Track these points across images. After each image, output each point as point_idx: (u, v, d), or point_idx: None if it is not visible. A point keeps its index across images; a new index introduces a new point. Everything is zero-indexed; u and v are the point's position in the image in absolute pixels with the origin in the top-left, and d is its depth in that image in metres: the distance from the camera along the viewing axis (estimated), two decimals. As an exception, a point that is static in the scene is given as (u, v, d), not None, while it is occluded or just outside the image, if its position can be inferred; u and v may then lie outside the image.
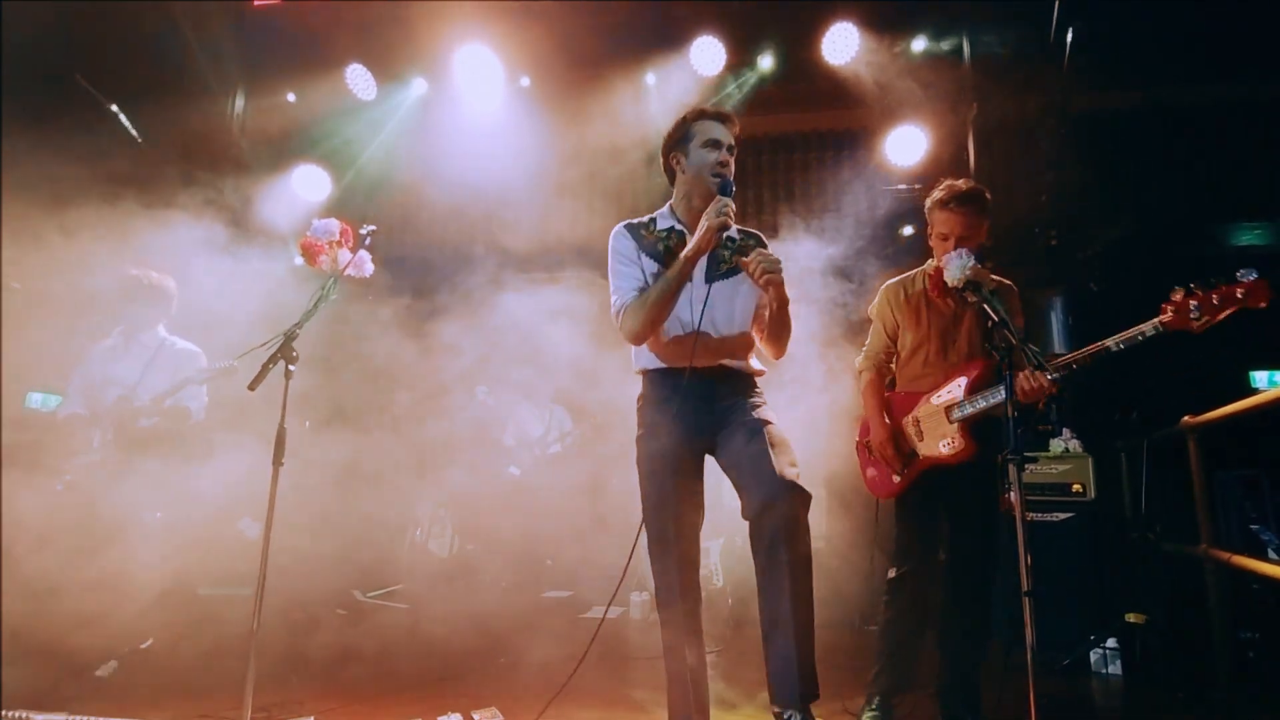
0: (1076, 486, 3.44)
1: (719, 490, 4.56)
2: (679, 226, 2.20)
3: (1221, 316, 1.96)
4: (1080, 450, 3.51)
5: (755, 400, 2.15)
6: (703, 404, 2.09)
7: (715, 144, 2.17)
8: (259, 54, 4.99)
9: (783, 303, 2.07)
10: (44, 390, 3.72)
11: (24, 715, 1.63)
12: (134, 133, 4.32)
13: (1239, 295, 1.92)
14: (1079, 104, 4.23)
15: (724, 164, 2.15)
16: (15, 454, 2.98)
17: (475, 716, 2.32)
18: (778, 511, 1.93)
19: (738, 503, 4.65)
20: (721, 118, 2.22)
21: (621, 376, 4.19)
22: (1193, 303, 1.97)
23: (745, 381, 2.17)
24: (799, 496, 1.94)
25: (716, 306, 2.08)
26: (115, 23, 4.14)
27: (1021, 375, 2.10)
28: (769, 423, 2.10)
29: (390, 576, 4.87)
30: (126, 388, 3.16)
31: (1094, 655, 3.25)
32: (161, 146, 4.47)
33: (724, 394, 2.11)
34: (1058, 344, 4.05)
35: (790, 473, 1.97)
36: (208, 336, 3.49)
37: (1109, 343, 2.08)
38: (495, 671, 3.14)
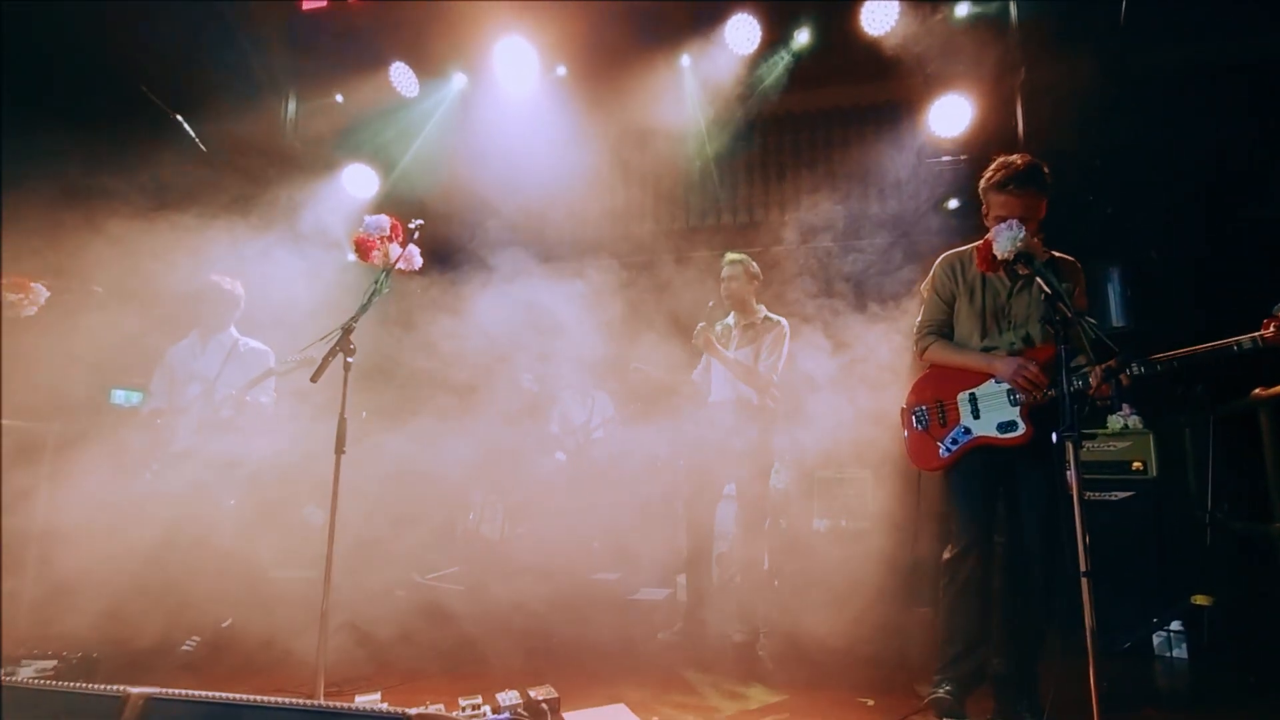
0: (1137, 464, 3.32)
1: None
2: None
3: None
4: (1140, 427, 3.38)
5: (760, 431, 3.52)
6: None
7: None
8: (308, 57, 5.14)
9: (722, 360, 3.56)
10: (126, 387, 3.97)
11: (120, 689, 1.75)
12: (196, 139, 4.52)
13: None
14: (1136, 63, 4.00)
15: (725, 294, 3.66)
16: (105, 446, 3.21)
17: (532, 693, 2.40)
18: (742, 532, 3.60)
19: (782, 485, 4.73)
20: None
21: (664, 361, 4.24)
22: None
23: (751, 411, 3.53)
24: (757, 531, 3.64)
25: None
26: (175, 34, 4.34)
27: (1094, 376, 2.06)
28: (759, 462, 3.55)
29: (445, 559, 5.03)
30: (206, 384, 3.37)
31: (1157, 638, 3.16)
32: (222, 152, 4.67)
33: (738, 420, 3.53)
34: (1115, 317, 3.87)
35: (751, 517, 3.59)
36: (270, 332, 3.67)
37: (1203, 348, 2.03)
38: (549, 650, 3.23)
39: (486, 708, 2.32)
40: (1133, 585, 3.16)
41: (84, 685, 1.78)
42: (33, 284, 2.86)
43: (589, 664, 3.03)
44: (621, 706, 2.49)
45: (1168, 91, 3.96)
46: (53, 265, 3.26)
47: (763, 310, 3.71)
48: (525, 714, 2.32)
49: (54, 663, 2.78)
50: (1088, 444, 3.40)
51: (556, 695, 2.40)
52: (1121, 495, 3.29)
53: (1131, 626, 3.14)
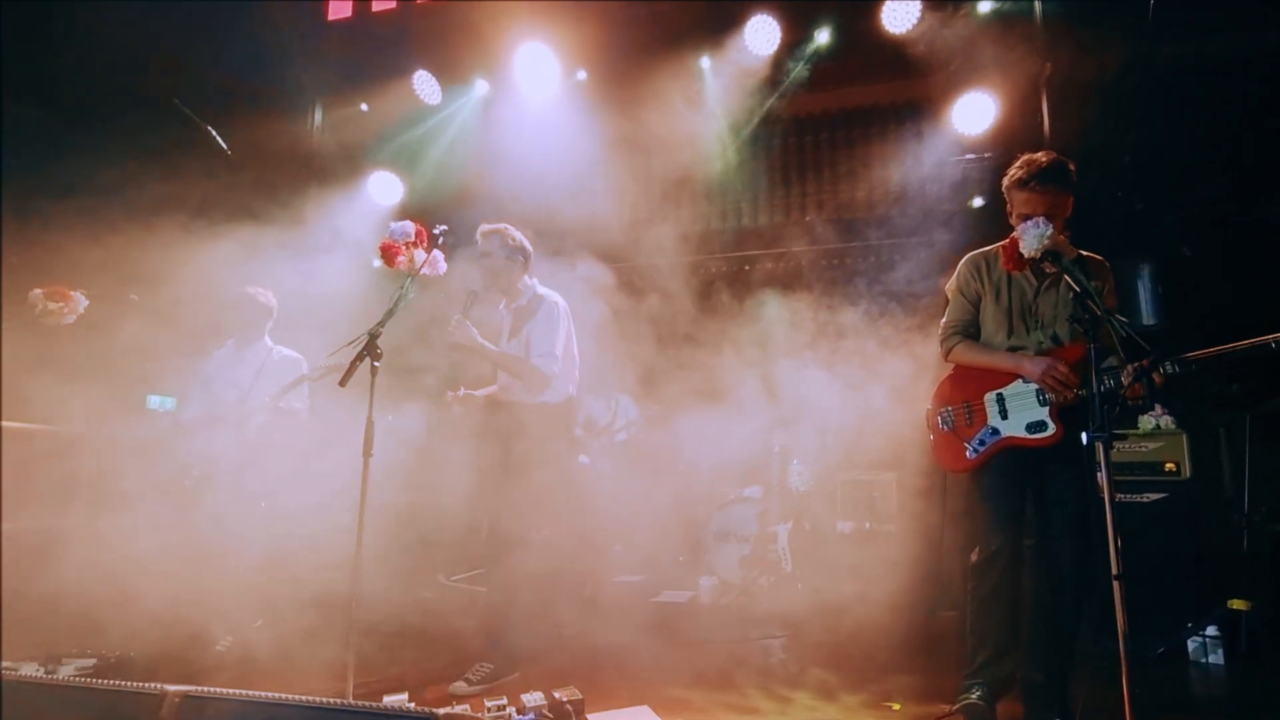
0: (1170, 465, 3.24)
1: (784, 473, 4.56)
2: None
3: None
4: (1173, 426, 3.30)
5: (542, 431, 2.98)
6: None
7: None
8: (334, 67, 5.25)
9: (487, 356, 2.94)
10: (161, 393, 4.08)
11: (158, 687, 1.79)
12: (226, 150, 4.64)
13: None
14: (1166, 55, 3.91)
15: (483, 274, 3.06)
16: (144, 451, 3.30)
17: (556, 695, 2.42)
18: None
19: (804, 486, 4.66)
20: None
21: (686, 365, 4.23)
22: None
23: (530, 410, 2.99)
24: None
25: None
26: (205, 48, 4.47)
27: (1126, 375, 2.02)
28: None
29: (470, 561, 5.07)
30: (242, 391, 3.46)
31: (1192, 644, 3.08)
32: (251, 161, 4.79)
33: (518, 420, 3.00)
34: (1147, 316, 3.78)
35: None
36: (299, 336, 3.74)
37: (1239, 346, 1.97)
38: (573, 652, 3.24)
39: (512, 709, 2.34)
40: (1167, 589, 3.09)
41: (124, 683, 1.83)
42: (72, 293, 2.96)
43: (612, 666, 3.03)
44: (645, 708, 2.50)
45: (1198, 84, 3.87)
46: (89, 274, 3.35)
47: (533, 287, 3.12)
48: (550, 715, 2.34)
49: (93, 661, 2.87)
50: (1118, 445, 3.33)
51: (581, 697, 2.41)
52: (1154, 497, 3.22)
53: (1166, 632, 3.07)
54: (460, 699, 2.66)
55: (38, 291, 2.95)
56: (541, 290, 3.11)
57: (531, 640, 2.95)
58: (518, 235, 3.07)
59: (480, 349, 2.89)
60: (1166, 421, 3.33)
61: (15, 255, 3.41)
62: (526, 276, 3.12)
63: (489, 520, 3.04)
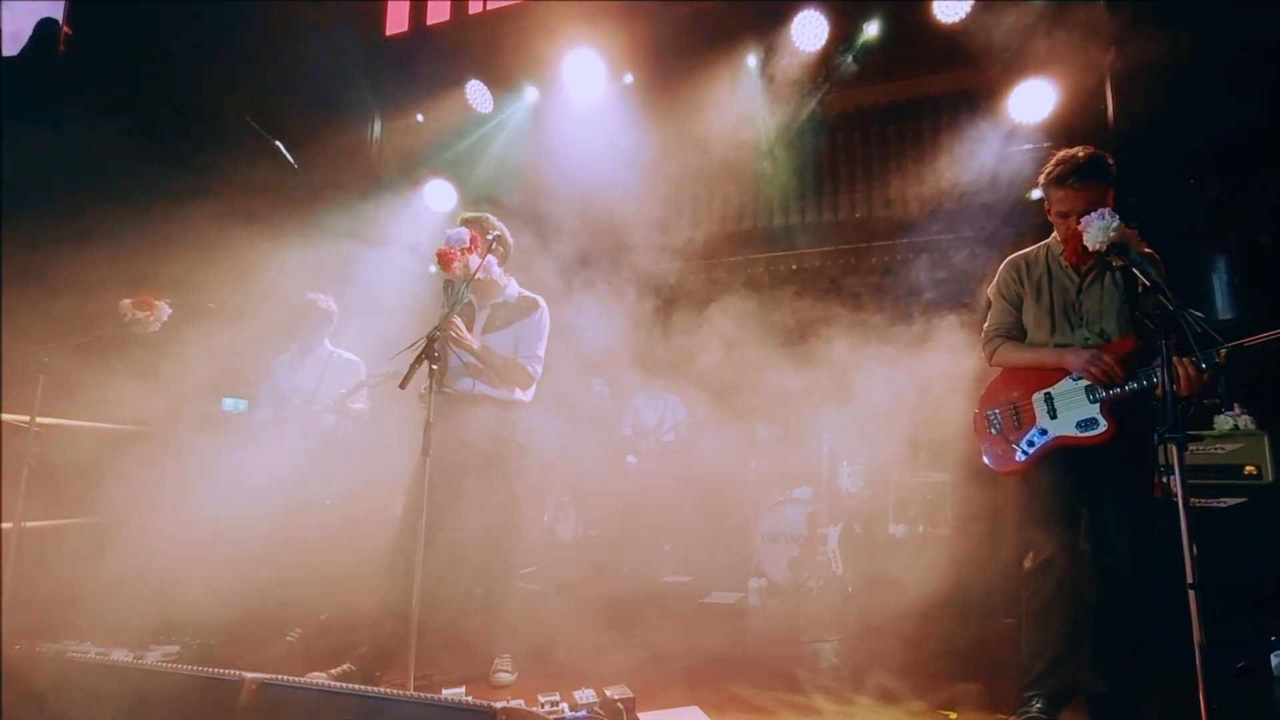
0: (1249, 468, 3.06)
1: (834, 474, 4.51)
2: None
3: None
4: (1253, 427, 3.12)
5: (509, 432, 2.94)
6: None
7: None
8: (392, 81, 5.45)
9: (471, 352, 2.81)
10: (234, 396, 4.32)
11: (237, 674, 1.90)
12: (294, 163, 4.87)
13: None
14: (1240, 32, 3.67)
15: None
16: (219, 452, 3.50)
17: (608, 692, 2.45)
18: None
19: (855, 489, 4.60)
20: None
21: (737, 364, 4.20)
22: None
23: (498, 407, 2.91)
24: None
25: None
26: (275, 68, 4.72)
27: (1182, 368, 1.93)
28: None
29: (522, 559, 5.18)
30: (307, 395, 3.63)
31: (1276, 658, 2.90)
32: (317, 174, 5.02)
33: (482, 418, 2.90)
34: (1221, 308, 3.58)
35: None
36: (360, 342, 3.90)
37: None
38: (623, 651, 3.28)
39: (564, 705, 2.39)
40: (1248, 599, 2.92)
41: (207, 669, 1.95)
42: (157, 301, 3.16)
43: (662, 666, 3.06)
44: (695, 709, 2.51)
45: (1275, 62, 3.63)
46: (170, 282, 3.57)
47: (514, 286, 3.02)
48: (602, 713, 2.38)
49: (177, 648, 3.06)
50: (1191, 447, 3.16)
51: (632, 695, 2.44)
52: (1231, 501, 3.05)
53: (1246, 645, 2.90)
54: (513, 690, 2.73)
55: (126, 302, 3.16)
56: (528, 292, 3.05)
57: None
58: (499, 224, 2.92)
59: (468, 344, 2.78)
60: (1246, 421, 3.15)
61: (107, 268, 3.67)
62: (503, 271, 2.98)
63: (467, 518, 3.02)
